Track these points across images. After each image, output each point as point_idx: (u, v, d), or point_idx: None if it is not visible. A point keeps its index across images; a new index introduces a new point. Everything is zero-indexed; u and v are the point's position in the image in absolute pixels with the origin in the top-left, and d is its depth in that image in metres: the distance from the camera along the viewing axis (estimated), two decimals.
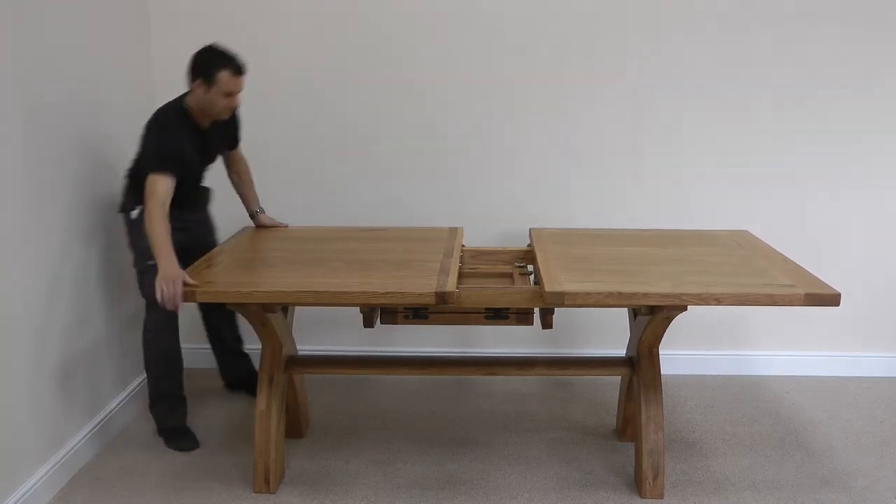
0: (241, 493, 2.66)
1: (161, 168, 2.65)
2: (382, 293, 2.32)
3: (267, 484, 2.65)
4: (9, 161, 2.40)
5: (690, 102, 3.39)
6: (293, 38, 3.39)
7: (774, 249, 2.81)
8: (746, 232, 3.08)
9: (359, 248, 2.81)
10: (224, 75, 2.66)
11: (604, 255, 2.70)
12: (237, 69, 2.70)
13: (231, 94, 2.72)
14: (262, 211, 3.18)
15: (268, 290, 2.37)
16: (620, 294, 2.30)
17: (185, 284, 2.40)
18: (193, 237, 2.94)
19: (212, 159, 3.01)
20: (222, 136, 2.99)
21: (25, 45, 2.48)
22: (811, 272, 2.52)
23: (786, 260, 2.66)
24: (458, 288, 2.41)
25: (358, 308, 2.58)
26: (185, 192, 2.79)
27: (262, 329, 2.63)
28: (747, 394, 3.45)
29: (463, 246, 2.96)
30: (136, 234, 2.80)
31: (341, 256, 2.69)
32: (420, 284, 2.36)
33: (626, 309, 2.99)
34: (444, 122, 3.44)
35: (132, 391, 3.23)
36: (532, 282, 2.73)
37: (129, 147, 3.20)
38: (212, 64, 2.67)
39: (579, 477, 2.77)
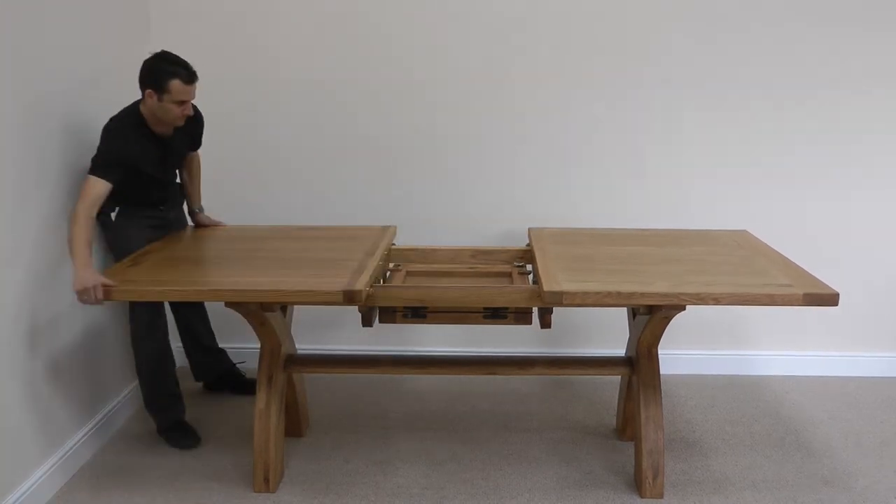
0: (240, 493, 2.66)
1: (100, 172, 2.63)
2: (292, 291, 2.33)
3: (266, 483, 2.65)
4: (8, 160, 2.41)
5: (690, 102, 3.39)
6: (292, 38, 3.39)
7: (773, 249, 2.81)
8: (745, 232, 3.08)
9: (287, 246, 2.82)
10: (175, 84, 2.63)
11: (603, 254, 2.70)
12: (188, 77, 2.66)
13: (184, 102, 2.69)
14: (202, 210, 3.18)
15: (181, 289, 2.36)
16: (619, 294, 2.30)
17: (104, 285, 2.38)
18: (160, 223, 2.99)
19: (176, 163, 3.02)
20: (185, 140, 2.98)
21: (25, 45, 2.48)
22: (810, 272, 2.51)
23: (785, 260, 2.66)
24: (372, 287, 2.41)
25: (357, 307, 2.58)
26: (153, 191, 2.87)
27: (261, 328, 2.63)
28: (747, 393, 3.45)
29: (393, 244, 2.97)
30: (114, 235, 2.86)
31: (267, 255, 2.69)
32: (330, 283, 2.36)
33: (625, 308, 2.99)
34: (443, 121, 3.44)
35: (132, 390, 3.23)
36: (531, 281, 2.73)
37: None
38: (162, 72, 2.63)
39: (579, 476, 2.77)
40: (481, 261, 2.91)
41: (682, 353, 3.61)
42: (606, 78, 3.38)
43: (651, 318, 2.54)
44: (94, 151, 2.77)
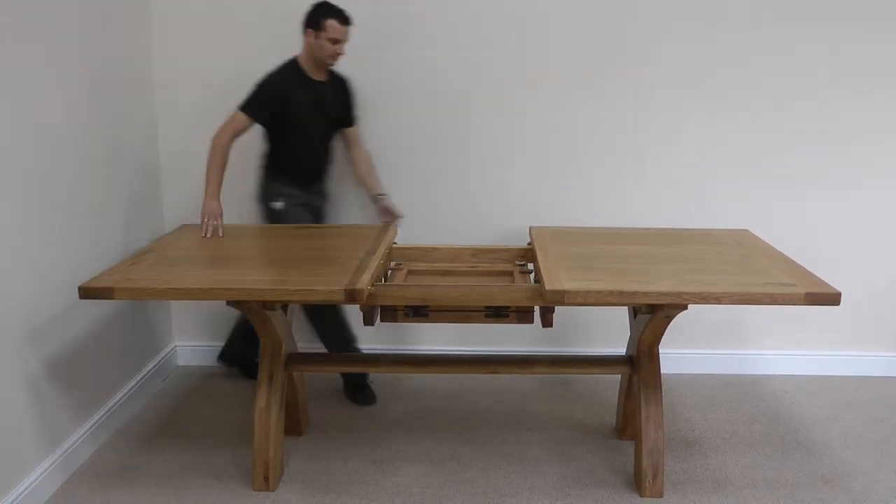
0: (240, 491, 2.65)
1: (247, 108, 2.99)
2: (293, 290, 2.33)
3: (266, 482, 2.65)
4: (7, 160, 2.40)
5: (691, 102, 3.40)
6: (290, 38, 3.38)
7: (775, 248, 2.81)
8: (747, 231, 3.08)
9: (289, 245, 2.82)
10: (332, 23, 2.95)
11: (604, 253, 2.70)
12: (344, 19, 2.98)
13: (338, 42, 2.98)
14: (385, 195, 3.30)
15: (182, 288, 2.36)
16: (621, 293, 2.30)
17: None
18: (313, 211, 3.23)
19: (330, 118, 3.19)
20: (338, 99, 3.20)
21: (25, 45, 2.48)
22: (811, 271, 2.52)
23: (786, 259, 2.66)
24: (373, 286, 2.40)
25: (358, 306, 2.58)
26: (304, 156, 3.13)
27: (262, 327, 2.63)
28: (747, 393, 3.45)
29: (394, 243, 2.97)
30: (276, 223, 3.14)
31: (266, 254, 2.69)
32: (332, 282, 2.35)
33: (626, 308, 2.99)
34: (444, 121, 3.44)
35: (132, 388, 3.23)
36: (532, 280, 2.73)
37: (128, 146, 3.21)
38: (321, 13, 2.97)
39: (579, 476, 2.77)
40: (482, 260, 2.91)
41: (682, 353, 3.62)
42: (607, 78, 3.39)
43: (652, 317, 2.54)
44: (94, 150, 2.77)
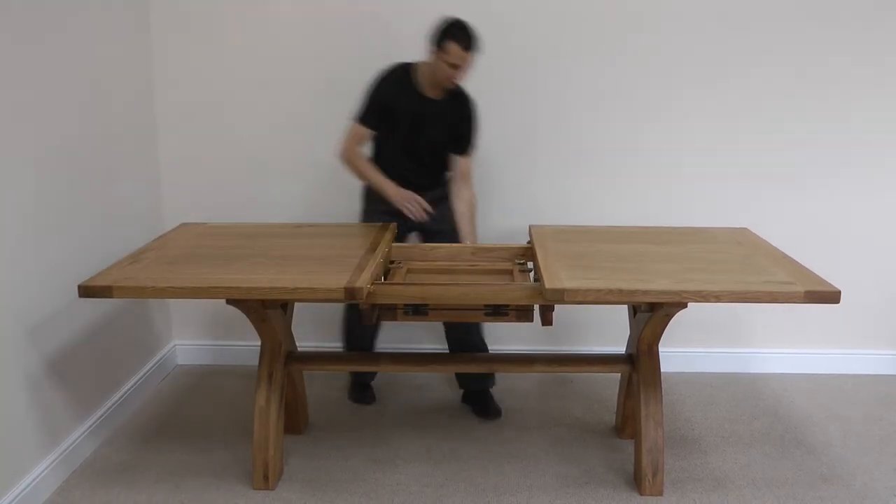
0: (239, 490, 2.65)
1: (358, 117, 2.94)
2: (293, 288, 2.32)
3: (266, 481, 2.65)
4: (6, 159, 2.40)
5: (691, 100, 3.39)
6: (288, 38, 3.38)
7: (774, 247, 2.81)
8: (746, 229, 3.08)
9: (288, 244, 2.81)
10: (454, 47, 2.77)
11: (604, 252, 2.70)
12: (468, 45, 2.79)
13: (455, 67, 2.81)
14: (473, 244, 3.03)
15: (181, 286, 2.35)
16: (620, 291, 2.29)
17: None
18: (404, 224, 3.05)
19: (434, 136, 2.99)
20: (448, 121, 2.99)
21: (25, 45, 2.47)
22: (811, 270, 2.52)
23: (786, 257, 2.66)
24: (373, 284, 2.40)
25: (358, 305, 2.58)
26: (405, 160, 3.01)
27: (262, 325, 2.63)
28: (747, 391, 3.45)
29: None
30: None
31: (266, 252, 2.67)
32: (332, 280, 2.35)
33: (625, 306, 2.98)
34: None
35: (133, 386, 3.23)
36: (532, 279, 2.73)
37: (128, 144, 3.21)
38: (446, 33, 2.80)
39: (579, 474, 2.77)
40: (482, 258, 2.91)
41: (681, 351, 3.62)
42: (607, 75, 3.38)
43: (652, 315, 2.54)
44: (93, 150, 2.77)
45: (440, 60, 2.81)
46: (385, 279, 2.74)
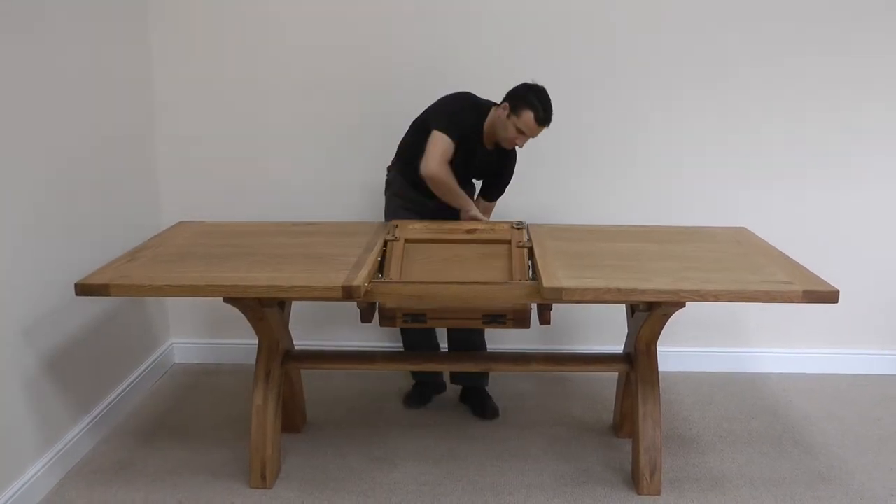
0: (237, 488, 2.65)
1: (447, 130, 2.83)
2: (290, 287, 2.32)
3: (263, 479, 2.65)
4: (4, 157, 2.39)
5: (689, 100, 3.39)
6: (287, 37, 3.38)
7: (772, 246, 2.80)
8: (744, 229, 3.07)
9: (285, 242, 2.79)
10: (529, 115, 2.79)
11: (602, 251, 2.69)
12: (543, 119, 2.81)
13: (523, 135, 2.84)
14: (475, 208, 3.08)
15: (178, 285, 2.35)
16: (619, 290, 2.29)
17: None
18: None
19: (471, 172, 3.07)
20: (493, 170, 3.08)
21: (24, 44, 2.47)
22: (809, 269, 2.51)
23: (784, 257, 2.66)
24: (370, 283, 2.39)
25: (356, 303, 2.57)
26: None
27: (259, 324, 2.63)
28: (745, 391, 3.45)
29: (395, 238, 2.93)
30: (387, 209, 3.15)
31: (263, 251, 2.66)
32: (329, 278, 2.34)
33: (624, 305, 2.98)
34: None
35: (130, 384, 3.22)
36: (527, 236, 2.74)
37: (126, 143, 3.20)
38: (528, 100, 2.80)
39: (576, 473, 2.76)
40: (479, 233, 2.89)
41: (679, 350, 3.61)
42: (605, 74, 3.38)
43: (650, 314, 2.54)
44: (93, 150, 2.76)
45: (511, 123, 2.82)
46: (385, 253, 2.70)
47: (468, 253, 2.73)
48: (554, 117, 2.85)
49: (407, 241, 2.76)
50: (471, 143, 2.93)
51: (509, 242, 2.75)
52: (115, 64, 3.09)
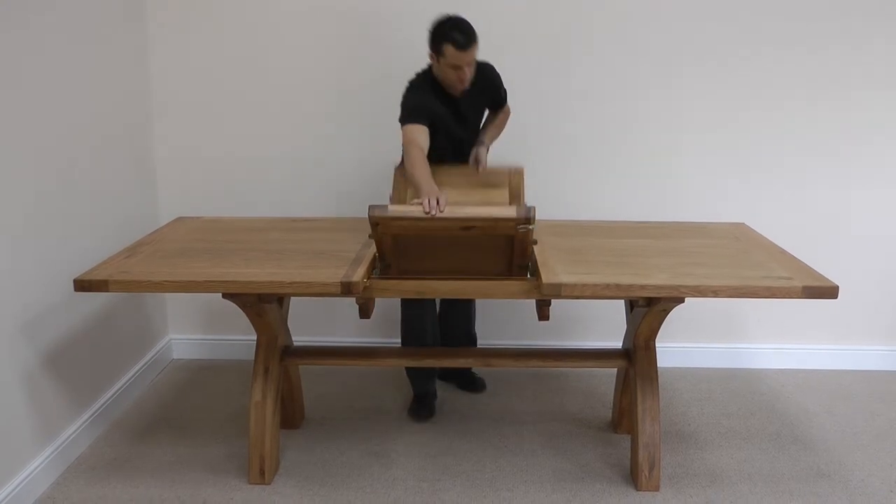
0: (235, 485, 2.65)
1: (410, 118, 2.70)
2: (289, 283, 2.32)
3: (262, 475, 2.65)
4: (4, 155, 2.39)
5: (687, 95, 3.39)
6: (287, 37, 3.37)
7: (772, 242, 2.80)
8: (744, 224, 3.07)
9: (284, 238, 2.79)
10: (449, 49, 2.64)
11: (601, 247, 2.69)
12: (462, 43, 2.64)
13: (458, 68, 2.69)
14: (485, 144, 2.98)
15: (177, 280, 2.35)
16: (618, 286, 2.29)
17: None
18: None
19: (475, 120, 2.98)
20: (480, 99, 2.95)
21: (22, 43, 2.46)
22: (809, 265, 2.51)
23: (783, 252, 2.65)
24: (369, 278, 2.39)
25: (354, 299, 2.57)
26: (449, 147, 2.87)
27: (258, 320, 2.62)
28: (743, 387, 3.45)
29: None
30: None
31: (262, 246, 2.66)
32: (328, 274, 2.34)
33: (622, 301, 2.98)
34: None
35: (129, 380, 3.22)
36: (522, 175, 2.81)
37: (124, 140, 3.20)
38: (439, 36, 2.67)
39: (575, 469, 2.76)
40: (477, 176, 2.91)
41: (678, 346, 3.61)
42: (603, 69, 3.37)
43: (649, 310, 2.54)
44: (81, 144, 2.75)
45: (443, 66, 2.71)
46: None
47: (465, 186, 2.78)
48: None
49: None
50: (446, 106, 2.82)
51: (507, 184, 2.76)
52: (112, 61, 3.09)
